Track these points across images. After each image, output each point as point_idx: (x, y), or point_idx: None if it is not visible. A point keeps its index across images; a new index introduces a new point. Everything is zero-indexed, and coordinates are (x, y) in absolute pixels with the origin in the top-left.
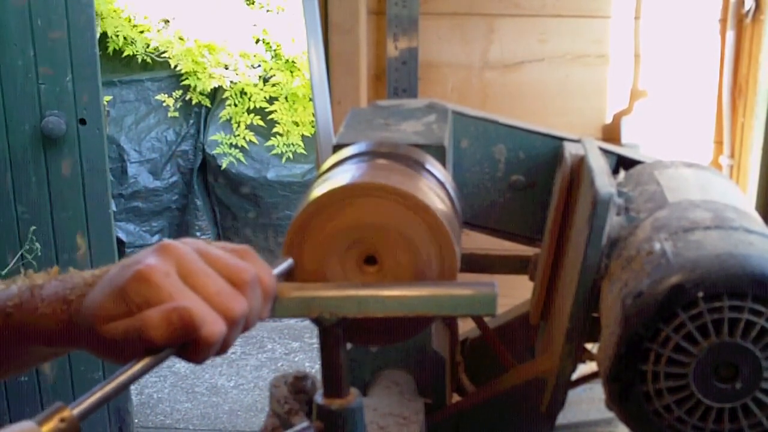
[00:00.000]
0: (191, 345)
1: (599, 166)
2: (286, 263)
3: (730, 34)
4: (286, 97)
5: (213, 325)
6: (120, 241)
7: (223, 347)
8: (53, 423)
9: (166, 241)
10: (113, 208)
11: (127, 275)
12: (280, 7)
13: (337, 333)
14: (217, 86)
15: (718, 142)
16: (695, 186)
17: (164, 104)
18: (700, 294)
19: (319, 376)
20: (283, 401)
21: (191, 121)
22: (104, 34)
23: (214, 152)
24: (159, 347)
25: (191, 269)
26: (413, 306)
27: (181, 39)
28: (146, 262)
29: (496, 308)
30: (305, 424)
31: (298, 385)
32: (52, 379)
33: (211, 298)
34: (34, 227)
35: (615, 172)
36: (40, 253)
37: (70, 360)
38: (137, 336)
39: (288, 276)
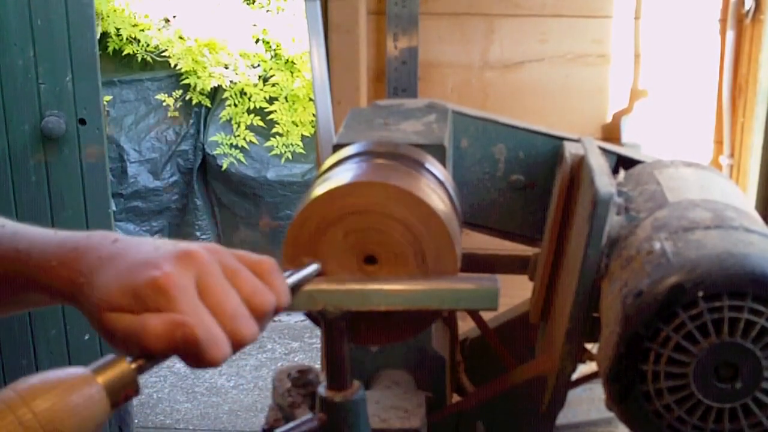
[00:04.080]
0: (192, 356)
1: (599, 165)
2: (312, 269)
3: (730, 34)
4: (285, 98)
5: (219, 348)
6: None
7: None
8: (109, 374)
9: (192, 247)
10: (113, 208)
11: (143, 277)
12: (279, 8)
13: (341, 326)
14: (216, 86)
15: (718, 142)
16: (695, 185)
17: (164, 104)
18: (700, 294)
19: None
20: (287, 394)
21: (191, 121)
22: (104, 34)
23: (214, 153)
24: (154, 354)
25: (211, 284)
26: (416, 300)
27: (181, 38)
28: (165, 269)
29: (499, 302)
30: (308, 416)
31: (301, 378)
32: None
33: (224, 320)
34: None
35: (615, 171)
36: None
37: (70, 361)
38: (135, 337)
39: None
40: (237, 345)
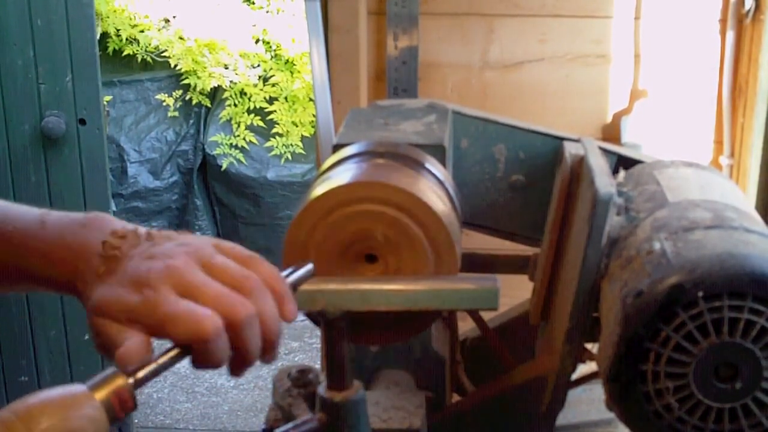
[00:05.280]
0: (191, 348)
1: (599, 165)
2: (306, 268)
3: (730, 34)
4: (285, 98)
5: (203, 321)
6: None
7: (243, 353)
8: (106, 391)
9: (173, 263)
10: (113, 208)
11: (137, 299)
12: (279, 8)
13: (340, 326)
14: (216, 86)
15: (718, 142)
16: (695, 185)
17: (164, 104)
18: (700, 294)
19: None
20: (286, 394)
21: (191, 121)
22: (104, 34)
23: (214, 153)
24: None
25: (190, 283)
26: (416, 300)
27: (181, 38)
28: (158, 292)
29: (499, 302)
30: (308, 416)
31: (301, 378)
32: (51, 379)
33: (208, 304)
34: None
35: (615, 171)
36: None
37: (70, 361)
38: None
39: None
40: (233, 322)
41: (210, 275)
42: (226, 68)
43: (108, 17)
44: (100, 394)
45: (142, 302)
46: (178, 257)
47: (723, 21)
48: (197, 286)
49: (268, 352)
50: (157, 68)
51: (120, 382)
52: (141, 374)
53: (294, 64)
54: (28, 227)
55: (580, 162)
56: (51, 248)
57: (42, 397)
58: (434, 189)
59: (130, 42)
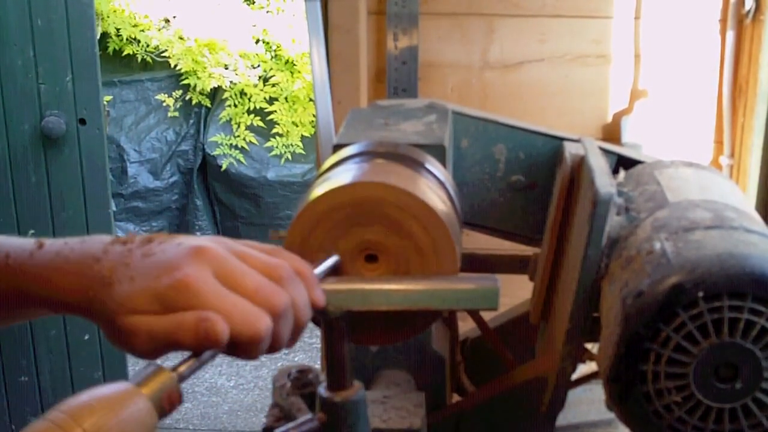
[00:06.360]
0: (238, 345)
1: (599, 165)
2: (332, 260)
3: (730, 34)
4: (285, 98)
5: (257, 323)
6: None
7: (276, 342)
8: (153, 387)
9: (202, 243)
10: (113, 208)
11: (167, 281)
12: (279, 8)
13: (341, 326)
14: (216, 86)
15: (718, 142)
16: (695, 186)
17: (164, 104)
18: (700, 294)
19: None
20: (286, 394)
21: (191, 121)
22: (104, 34)
23: (214, 153)
24: (188, 348)
25: (228, 270)
26: (417, 300)
27: (181, 38)
28: (185, 270)
29: (499, 302)
30: (308, 416)
31: (301, 378)
32: (51, 379)
33: (252, 296)
34: (32, 231)
35: (615, 172)
36: None
37: (70, 361)
38: (169, 336)
39: (334, 272)
40: (275, 314)
41: (244, 263)
42: (226, 68)
43: (108, 17)
44: (148, 390)
45: (176, 285)
46: (206, 242)
47: (723, 21)
48: (237, 276)
49: (294, 338)
50: (157, 68)
51: (165, 377)
52: (183, 368)
53: (294, 65)
54: (24, 251)
55: (581, 162)
56: (50, 269)
57: (90, 395)
58: (434, 189)
59: (130, 42)
